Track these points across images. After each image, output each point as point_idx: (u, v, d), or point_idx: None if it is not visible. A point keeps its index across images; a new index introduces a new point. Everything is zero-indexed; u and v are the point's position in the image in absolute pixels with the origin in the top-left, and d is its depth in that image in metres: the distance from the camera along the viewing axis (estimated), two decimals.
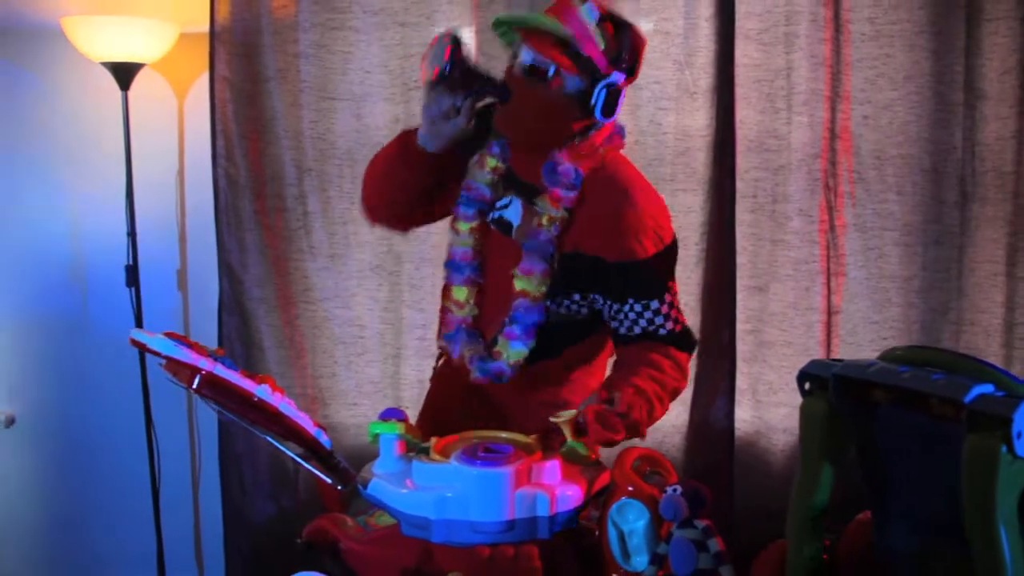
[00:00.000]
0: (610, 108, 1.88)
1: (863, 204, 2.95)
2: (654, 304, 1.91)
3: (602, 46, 1.84)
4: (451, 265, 2.05)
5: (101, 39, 2.75)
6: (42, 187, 3.11)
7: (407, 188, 2.04)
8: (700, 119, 2.90)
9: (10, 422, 3.20)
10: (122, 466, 3.19)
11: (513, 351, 1.95)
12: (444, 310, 2.10)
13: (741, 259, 2.91)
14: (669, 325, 1.92)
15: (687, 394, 2.94)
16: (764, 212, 2.95)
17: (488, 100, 1.91)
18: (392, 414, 1.64)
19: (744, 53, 2.87)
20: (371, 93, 2.90)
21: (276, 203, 2.94)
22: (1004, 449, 1.08)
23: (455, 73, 1.82)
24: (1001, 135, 2.90)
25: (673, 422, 2.94)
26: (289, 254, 2.96)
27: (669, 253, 1.95)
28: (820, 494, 1.36)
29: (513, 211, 1.99)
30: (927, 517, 1.35)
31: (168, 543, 3.16)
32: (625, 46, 1.88)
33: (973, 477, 1.11)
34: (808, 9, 2.87)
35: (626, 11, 2.82)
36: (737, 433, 2.96)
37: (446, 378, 2.15)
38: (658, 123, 2.90)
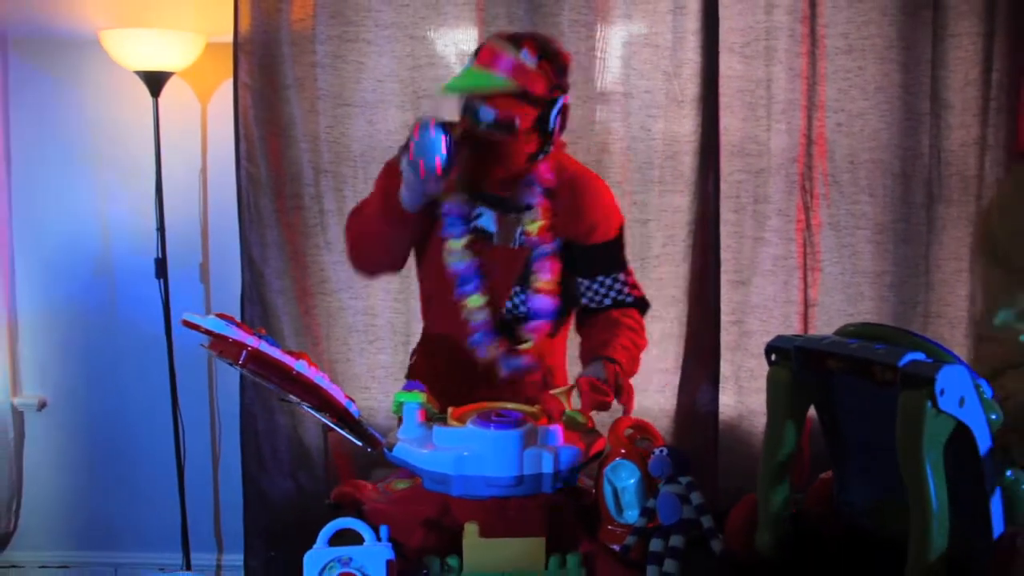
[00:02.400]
0: (564, 124, 2.16)
1: (837, 205, 3.18)
2: (621, 276, 2.25)
3: (546, 80, 2.08)
4: (461, 280, 2.25)
5: (135, 50, 2.98)
6: (76, 186, 3.33)
7: (404, 237, 2.25)
8: (687, 126, 3.12)
9: (42, 405, 3.41)
10: (147, 447, 3.41)
11: (540, 341, 2.25)
12: (427, 314, 2.40)
13: (725, 255, 3.13)
14: (634, 292, 2.26)
15: (675, 380, 3.18)
16: (746, 212, 3.17)
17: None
18: (414, 386, 1.86)
19: (728, 65, 3.09)
20: (383, 100, 3.12)
21: (295, 202, 3.15)
22: (929, 404, 1.30)
23: (451, 162, 2.01)
24: (965, 142, 3.13)
25: (662, 406, 3.17)
26: (306, 249, 3.17)
27: (623, 232, 2.30)
28: (785, 450, 1.58)
29: (487, 220, 2.24)
30: (879, 473, 1.56)
31: (189, 520, 3.36)
32: (561, 71, 2.13)
33: (905, 429, 1.33)
34: (787, 25, 3.09)
35: (619, 26, 3.07)
36: (721, 417, 3.17)
37: (422, 368, 2.39)
38: (648, 129, 3.12)
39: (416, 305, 3.11)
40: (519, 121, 2.07)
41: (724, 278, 3.15)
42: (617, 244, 2.28)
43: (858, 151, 3.16)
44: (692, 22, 3.07)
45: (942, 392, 1.30)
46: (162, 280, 3.20)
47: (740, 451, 3.20)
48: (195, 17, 3.18)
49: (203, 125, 3.31)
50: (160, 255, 3.19)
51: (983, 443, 1.36)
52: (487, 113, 2.07)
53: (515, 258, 2.25)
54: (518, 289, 2.27)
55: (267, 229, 3.14)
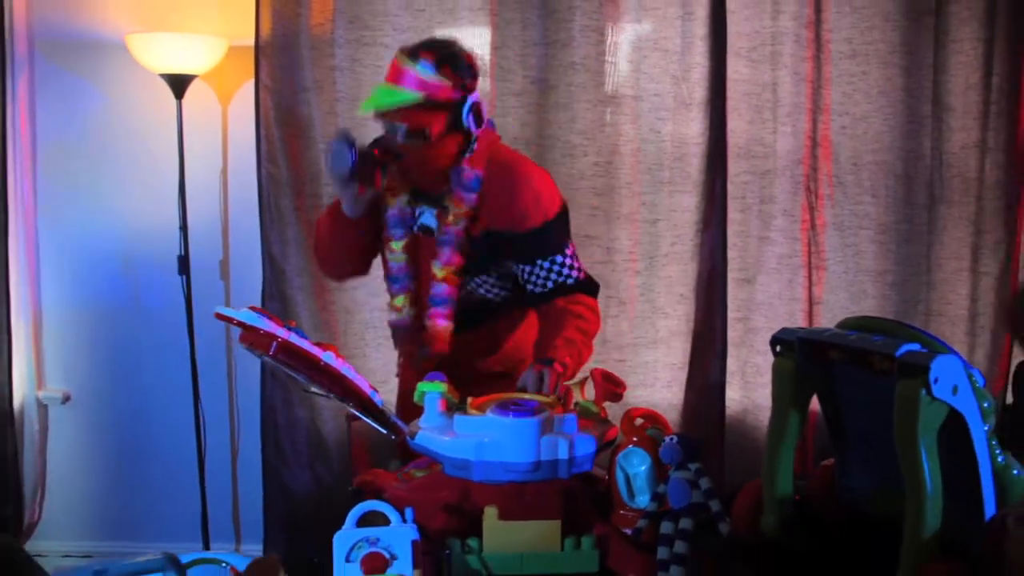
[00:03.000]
0: (479, 119, 2.27)
1: (841, 205, 3.27)
2: (559, 259, 2.31)
3: (449, 84, 2.20)
4: (391, 279, 2.43)
5: (160, 53, 3.08)
6: (101, 185, 3.43)
7: (357, 242, 2.43)
8: (695, 128, 3.20)
9: (66, 399, 3.50)
10: (169, 440, 3.49)
11: (440, 327, 2.35)
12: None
13: (731, 253, 3.22)
14: (575, 274, 2.34)
15: (682, 375, 3.27)
16: (752, 212, 3.26)
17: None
18: (436, 376, 1.95)
19: (734, 69, 3.18)
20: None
21: (314, 201, 3.24)
22: (924, 392, 1.39)
23: (359, 165, 2.21)
24: (965, 144, 3.22)
25: (670, 401, 3.25)
26: None
27: (561, 216, 2.37)
28: (788, 436, 1.68)
29: (429, 217, 2.37)
30: (878, 460, 1.65)
31: (209, 511, 3.46)
32: (464, 71, 2.25)
33: (901, 415, 1.41)
34: (792, 31, 3.18)
35: (629, 31, 3.15)
36: (728, 412, 3.26)
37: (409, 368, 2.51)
38: (657, 131, 3.21)
39: None
40: (430, 129, 2.21)
41: (730, 276, 3.23)
42: (554, 227, 2.35)
43: (861, 153, 3.25)
44: (700, 27, 3.16)
45: (936, 380, 1.38)
46: (184, 276, 3.29)
47: (746, 445, 3.28)
48: (218, 21, 3.27)
49: (224, 126, 3.41)
50: (183, 252, 3.28)
51: (976, 429, 1.45)
52: (399, 127, 2.23)
53: None
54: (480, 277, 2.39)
55: (287, 227, 3.23)
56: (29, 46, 3.39)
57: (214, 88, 3.37)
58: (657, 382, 3.26)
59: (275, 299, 3.22)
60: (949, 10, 3.18)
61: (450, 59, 2.24)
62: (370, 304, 3.26)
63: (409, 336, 2.43)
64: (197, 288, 3.36)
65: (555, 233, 2.35)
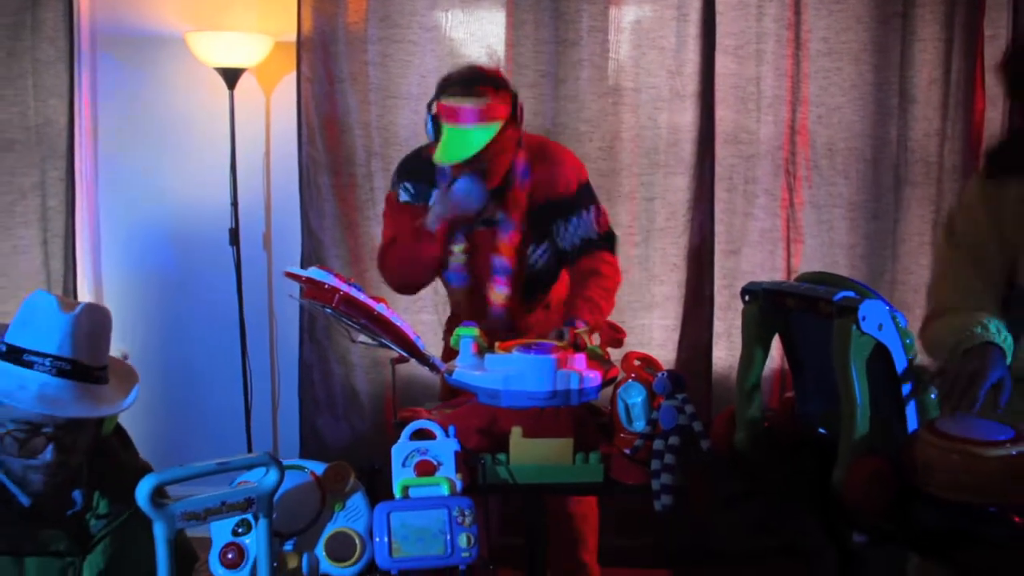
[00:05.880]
0: (522, 116, 2.65)
1: (817, 186, 3.58)
2: (585, 215, 2.72)
3: (506, 102, 2.56)
4: (450, 276, 2.80)
5: (216, 49, 3.43)
6: (157, 167, 3.76)
7: (428, 259, 2.74)
8: (687, 117, 3.52)
9: (124, 357, 3.86)
10: (218, 393, 3.83)
11: (499, 293, 2.74)
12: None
13: (719, 228, 3.55)
14: (598, 228, 2.73)
15: (675, 335, 3.61)
16: (737, 191, 3.58)
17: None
18: (470, 324, 2.35)
19: (723, 65, 3.49)
20: (426, 93, 3.41)
21: (349, 180, 3.58)
22: (854, 327, 1.77)
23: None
24: (928, 132, 3.53)
25: (664, 358, 3.55)
26: (359, 220, 3.61)
27: (588, 181, 2.78)
28: (755, 369, 2.06)
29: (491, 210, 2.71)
30: (828, 389, 2.01)
31: None
32: (505, 86, 2.61)
33: (838, 346, 1.79)
34: (774, 31, 3.49)
35: (629, 31, 3.47)
36: (714, 368, 3.60)
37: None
38: (654, 120, 3.53)
39: None
40: (508, 143, 2.58)
41: (718, 248, 3.55)
42: (585, 190, 2.75)
43: (835, 140, 3.55)
44: (693, 28, 3.47)
45: (864, 319, 1.77)
46: (235, 247, 3.67)
47: (730, 399, 3.53)
48: (264, 19, 3.60)
49: (267, 114, 3.76)
50: (234, 225, 3.66)
51: (898, 358, 1.83)
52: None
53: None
54: (533, 247, 2.76)
55: (325, 203, 3.58)
56: (92, 42, 3.71)
57: (259, 79, 3.72)
58: (652, 342, 3.57)
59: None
60: (915, 13, 3.47)
61: (493, 82, 2.58)
62: None
63: (472, 315, 2.74)
64: (243, 258, 3.72)
65: (585, 195, 2.73)
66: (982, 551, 1.69)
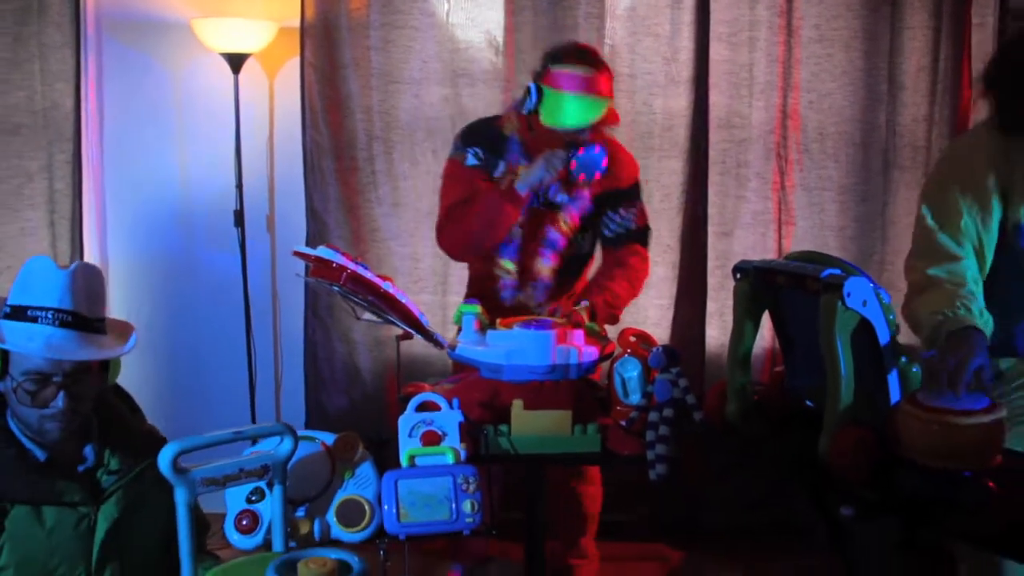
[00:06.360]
0: None
1: (807, 169, 3.66)
2: (630, 211, 2.84)
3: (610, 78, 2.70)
4: (503, 246, 2.82)
5: (222, 35, 3.49)
6: (164, 150, 3.82)
7: (510, 224, 2.76)
8: (682, 102, 3.60)
9: None
10: (222, 370, 3.90)
11: (543, 265, 2.82)
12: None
13: (711, 210, 3.63)
14: (638, 222, 2.87)
15: (669, 314, 3.71)
16: (730, 174, 3.65)
17: None
18: (472, 301, 2.45)
19: (716, 51, 3.57)
20: (427, 78, 3.62)
21: (351, 163, 3.66)
22: (840, 303, 1.86)
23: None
24: (916, 118, 3.61)
25: (658, 336, 3.66)
26: (361, 203, 3.68)
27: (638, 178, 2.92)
28: (746, 343, 2.16)
29: (556, 193, 2.79)
30: (816, 363, 2.10)
31: None
32: (605, 63, 2.72)
33: (824, 320, 1.89)
34: (767, 18, 3.57)
35: (625, 18, 3.54)
36: (707, 347, 3.69)
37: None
38: (649, 105, 3.61)
39: None
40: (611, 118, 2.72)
41: (711, 230, 3.64)
42: (638, 184, 2.91)
43: (826, 125, 3.63)
44: (687, 15, 3.55)
45: (849, 295, 1.86)
46: (240, 228, 3.75)
47: (723, 376, 3.68)
48: (268, 6, 3.66)
49: (271, 98, 3.83)
50: (239, 207, 3.74)
51: (881, 333, 1.92)
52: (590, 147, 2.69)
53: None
54: (582, 233, 2.85)
55: (328, 186, 3.65)
56: (98, 27, 3.76)
57: (263, 64, 3.78)
58: (647, 320, 3.65)
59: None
60: (904, 1, 3.55)
61: (599, 59, 2.70)
62: (400, 254, 3.70)
63: (518, 288, 2.87)
64: (247, 239, 3.79)
65: (636, 191, 2.87)
66: (959, 514, 1.79)
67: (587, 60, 2.66)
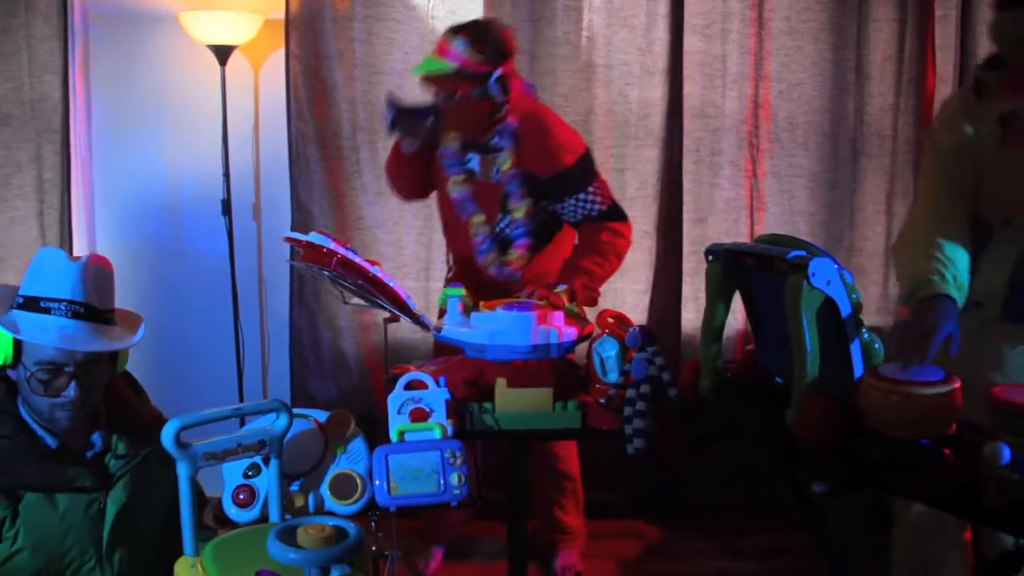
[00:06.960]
0: (505, 89, 2.85)
1: (778, 158, 3.76)
2: (582, 196, 2.89)
3: (479, 58, 2.80)
4: (460, 205, 3.00)
5: (208, 27, 3.56)
6: (152, 141, 3.88)
7: (412, 173, 3.10)
8: (657, 92, 3.69)
9: None
10: (210, 358, 3.98)
11: (522, 254, 2.97)
12: (447, 236, 3.18)
13: (686, 197, 3.73)
14: (599, 206, 2.91)
15: (645, 299, 3.81)
16: (704, 163, 3.75)
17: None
18: (456, 285, 2.54)
19: (690, 43, 3.66)
20: (409, 69, 3.60)
21: (336, 152, 3.73)
22: (805, 283, 1.98)
23: (399, 119, 2.90)
24: (882, 107, 3.73)
25: (636, 320, 3.80)
26: (346, 191, 3.76)
27: (585, 159, 2.93)
28: (718, 321, 2.28)
29: (474, 162, 2.98)
30: (784, 341, 2.23)
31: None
32: (494, 48, 2.84)
33: (790, 299, 2.00)
34: (739, 11, 3.66)
35: (602, 11, 3.63)
36: (682, 331, 3.80)
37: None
38: (625, 95, 3.70)
39: (436, 238, 3.77)
40: (458, 93, 2.83)
41: (686, 216, 3.73)
42: (578, 168, 2.89)
43: (796, 114, 3.73)
44: (662, 7, 3.63)
45: (814, 275, 1.98)
46: (227, 217, 3.83)
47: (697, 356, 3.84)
48: None
49: (256, 89, 3.90)
50: (226, 196, 3.81)
51: (844, 311, 2.03)
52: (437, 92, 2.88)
53: (495, 189, 2.96)
54: (503, 215, 2.96)
55: (313, 175, 3.72)
56: (85, 19, 3.81)
57: (249, 56, 3.84)
58: (624, 305, 3.73)
59: None
60: None
61: (484, 39, 2.81)
62: (384, 241, 3.78)
63: (492, 251, 3.00)
64: (235, 227, 3.86)
65: (580, 174, 2.89)
66: (918, 479, 1.91)
67: (453, 31, 2.84)
